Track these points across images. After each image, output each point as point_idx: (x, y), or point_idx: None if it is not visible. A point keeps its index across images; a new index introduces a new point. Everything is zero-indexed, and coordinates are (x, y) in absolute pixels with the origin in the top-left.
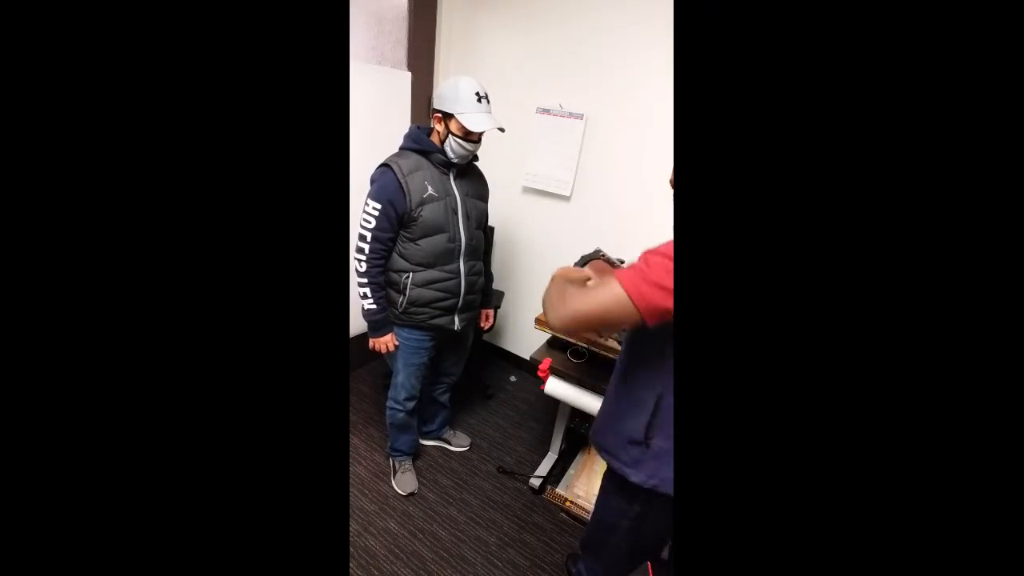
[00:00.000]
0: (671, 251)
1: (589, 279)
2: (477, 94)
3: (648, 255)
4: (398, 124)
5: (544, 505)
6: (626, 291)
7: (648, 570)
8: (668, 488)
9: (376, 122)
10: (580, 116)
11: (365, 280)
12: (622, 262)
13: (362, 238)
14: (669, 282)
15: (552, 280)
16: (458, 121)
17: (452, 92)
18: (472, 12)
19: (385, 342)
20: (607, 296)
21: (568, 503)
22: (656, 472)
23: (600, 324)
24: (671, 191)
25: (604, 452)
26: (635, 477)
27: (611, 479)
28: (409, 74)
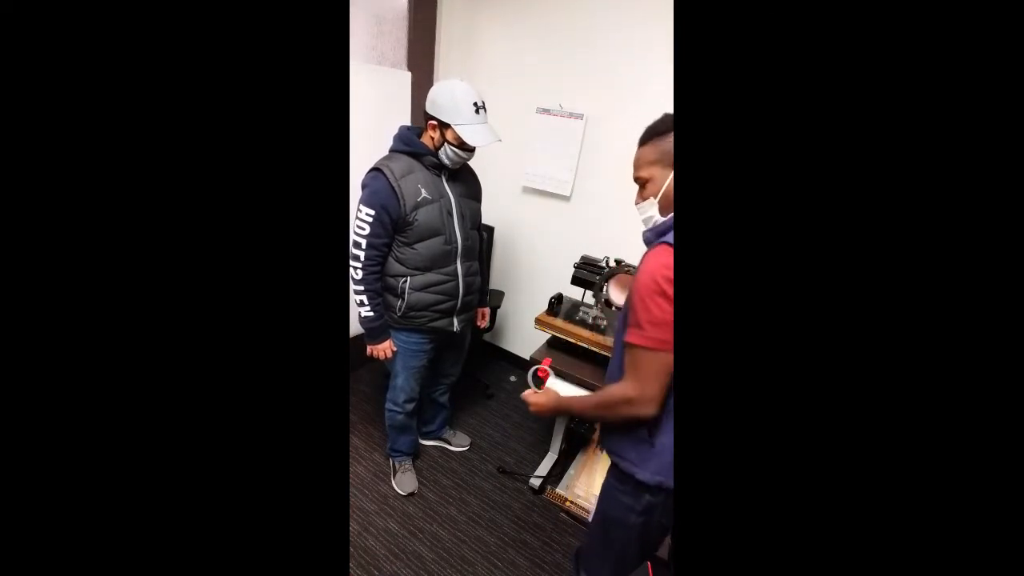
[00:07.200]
0: (645, 287)
1: (619, 394)
2: (475, 104)
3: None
4: (398, 124)
5: (544, 505)
6: (649, 348)
7: (648, 570)
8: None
9: (376, 122)
10: (580, 116)
11: (361, 287)
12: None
13: (356, 245)
14: (658, 313)
15: (597, 409)
16: (456, 132)
17: (448, 101)
18: (472, 12)
19: (383, 348)
20: (650, 364)
21: (568, 503)
22: (662, 469)
23: (666, 378)
24: (636, 186)
25: (613, 454)
26: (642, 475)
27: (616, 476)
28: (409, 74)
